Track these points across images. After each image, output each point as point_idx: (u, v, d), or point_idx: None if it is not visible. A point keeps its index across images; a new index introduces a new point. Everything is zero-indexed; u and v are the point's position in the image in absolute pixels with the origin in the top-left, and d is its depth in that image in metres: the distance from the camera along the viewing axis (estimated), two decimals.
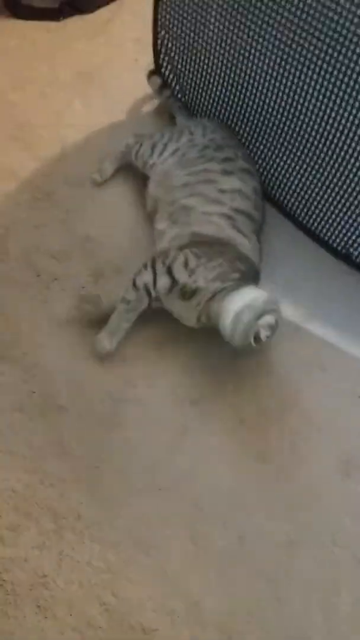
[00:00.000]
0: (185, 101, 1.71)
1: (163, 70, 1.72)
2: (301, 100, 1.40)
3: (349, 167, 1.39)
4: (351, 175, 1.40)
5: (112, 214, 1.56)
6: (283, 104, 1.45)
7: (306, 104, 1.40)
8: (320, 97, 1.35)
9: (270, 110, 1.49)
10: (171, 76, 1.71)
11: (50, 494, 1.18)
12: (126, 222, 1.55)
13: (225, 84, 1.57)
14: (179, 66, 1.66)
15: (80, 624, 1.07)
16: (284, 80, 1.41)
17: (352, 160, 1.37)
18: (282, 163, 1.54)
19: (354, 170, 1.39)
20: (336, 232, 1.52)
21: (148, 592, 1.11)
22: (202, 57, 1.58)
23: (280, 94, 1.44)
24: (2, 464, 1.20)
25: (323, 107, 1.36)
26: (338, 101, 1.33)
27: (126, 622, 1.08)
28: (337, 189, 1.45)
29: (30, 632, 1.05)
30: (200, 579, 1.14)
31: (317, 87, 1.35)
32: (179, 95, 1.71)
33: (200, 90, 1.65)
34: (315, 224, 1.54)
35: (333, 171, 1.43)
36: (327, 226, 1.52)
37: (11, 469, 1.20)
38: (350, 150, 1.37)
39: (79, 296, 1.37)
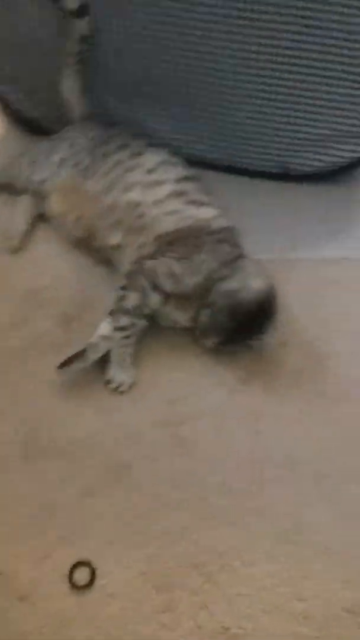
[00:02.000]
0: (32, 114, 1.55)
1: None
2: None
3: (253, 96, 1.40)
4: (258, 102, 1.40)
5: (41, 256, 1.39)
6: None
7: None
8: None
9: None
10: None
11: None
12: (60, 255, 1.39)
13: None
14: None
15: None
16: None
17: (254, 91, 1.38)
18: (186, 120, 1.48)
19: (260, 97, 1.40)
20: (267, 158, 1.50)
21: None
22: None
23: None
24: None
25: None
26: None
27: None
28: (245, 119, 1.44)
29: None
30: None
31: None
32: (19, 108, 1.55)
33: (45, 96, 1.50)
34: (245, 161, 1.52)
35: (239, 106, 1.41)
36: (257, 157, 1.50)
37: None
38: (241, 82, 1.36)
39: (60, 372, 1.19)
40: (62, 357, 1.21)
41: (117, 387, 1.20)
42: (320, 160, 1.48)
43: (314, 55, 1.30)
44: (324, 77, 1.33)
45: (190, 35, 1.32)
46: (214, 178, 1.49)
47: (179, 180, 1.30)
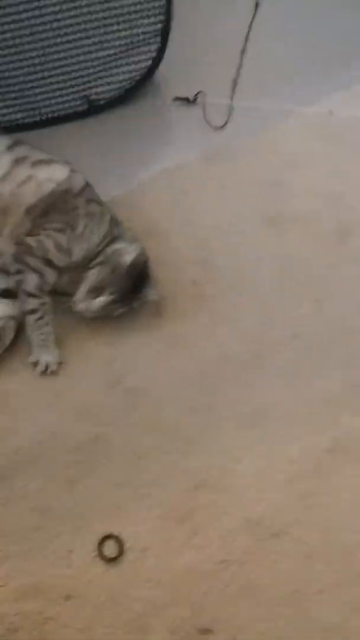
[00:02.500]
0: None
1: None
2: None
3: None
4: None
5: None
6: None
7: None
8: None
9: None
10: None
11: None
12: None
13: None
14: None
15: None
16: None
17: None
18: None
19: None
20: (71, 99, 1.51)
21: None
22: None
23: None
24: None
25: None
26: None
27: None
28: (37, 69, 1.44)
29: None
30: None
31: None
32: None
33: None
34: (53, 109, 1.50)
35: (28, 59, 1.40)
36: (62, 101, 1.51)
37: None
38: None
39: None
40: None
41: (45, 369, 1.20)
42: (117, 81, 1.52)
43: None
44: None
45: None
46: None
47: (10, 147, 1.24)
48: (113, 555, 1.06)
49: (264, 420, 1.19)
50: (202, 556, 1.06)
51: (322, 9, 1.85)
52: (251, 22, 1.67)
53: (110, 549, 1.07)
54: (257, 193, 1.50)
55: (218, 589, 1.03)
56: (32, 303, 1.18)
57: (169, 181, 1.46)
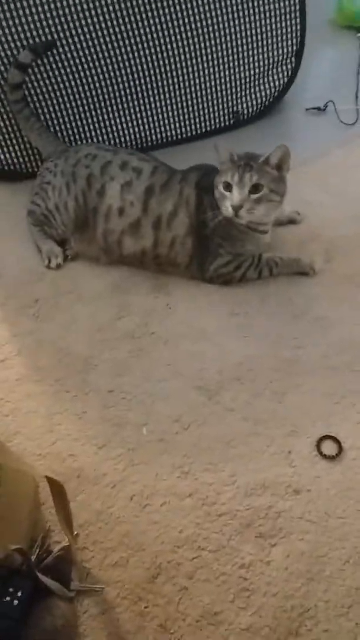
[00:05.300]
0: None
1: None
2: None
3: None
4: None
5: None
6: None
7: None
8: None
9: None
10: None
11: None
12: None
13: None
14: None
15: None
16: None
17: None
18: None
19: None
20: (223, 114, 1.74)
21: None
22: None
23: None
24: None
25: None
26: None
27: None
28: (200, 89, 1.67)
29: None
30: None
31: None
32: None
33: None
34: (200, 127, 1.73)
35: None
36: (216, 117, 1.72)
37: None
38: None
39: None
40: None
41: None
42: (259, 97, 1.71)
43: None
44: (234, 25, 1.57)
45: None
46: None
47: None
48: (333, 454, 1.05)
49: None
50: None
51: None
52: None
53: (329, 448, 1.06)
54: None
55: None
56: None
57: (316, 167, 1.59)
